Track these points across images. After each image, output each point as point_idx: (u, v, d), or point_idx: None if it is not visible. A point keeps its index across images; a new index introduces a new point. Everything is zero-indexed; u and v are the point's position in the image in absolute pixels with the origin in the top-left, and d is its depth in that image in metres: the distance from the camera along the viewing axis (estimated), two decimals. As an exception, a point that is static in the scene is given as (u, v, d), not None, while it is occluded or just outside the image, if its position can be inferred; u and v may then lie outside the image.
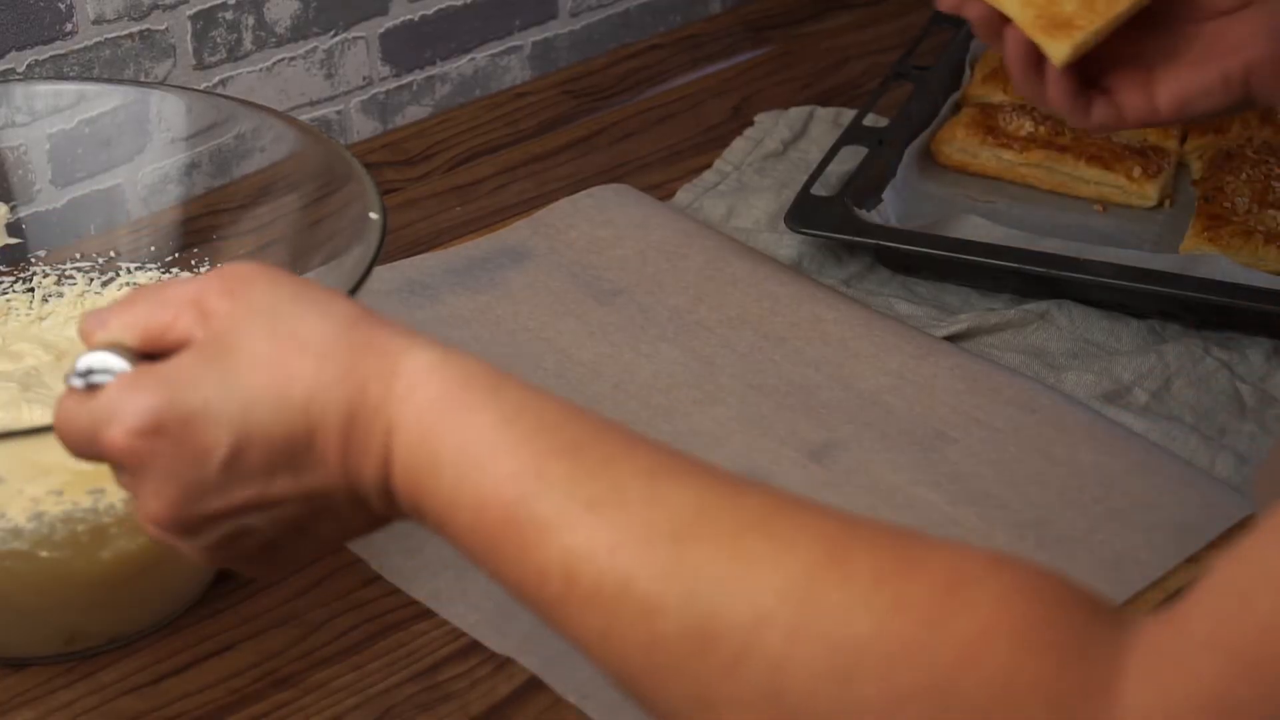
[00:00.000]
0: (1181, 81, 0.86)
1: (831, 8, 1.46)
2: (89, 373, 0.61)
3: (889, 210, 1.12)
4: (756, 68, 1.36)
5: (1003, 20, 0.88)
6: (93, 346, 0.62)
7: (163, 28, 1.13)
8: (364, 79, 1.26)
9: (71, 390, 0.61)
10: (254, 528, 0.61)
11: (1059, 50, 0.85)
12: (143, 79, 1.13)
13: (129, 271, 0.94)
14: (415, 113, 1.29)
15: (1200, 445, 0.94)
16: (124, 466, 0.61)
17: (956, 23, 1.31)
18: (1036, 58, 0.87)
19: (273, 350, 0.59)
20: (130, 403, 0.59)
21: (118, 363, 0.61)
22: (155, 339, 0.61)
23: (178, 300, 0.61)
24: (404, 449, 0.58)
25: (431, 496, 0.57)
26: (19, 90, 0.97)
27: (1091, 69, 0.88)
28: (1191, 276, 1.01)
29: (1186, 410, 0.97)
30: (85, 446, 0.61)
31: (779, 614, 0.51)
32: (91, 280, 0.94)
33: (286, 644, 0.82)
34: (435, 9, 1.27)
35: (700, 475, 0.56)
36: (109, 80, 1.09)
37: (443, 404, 0.58)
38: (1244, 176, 1.14)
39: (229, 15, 1.16)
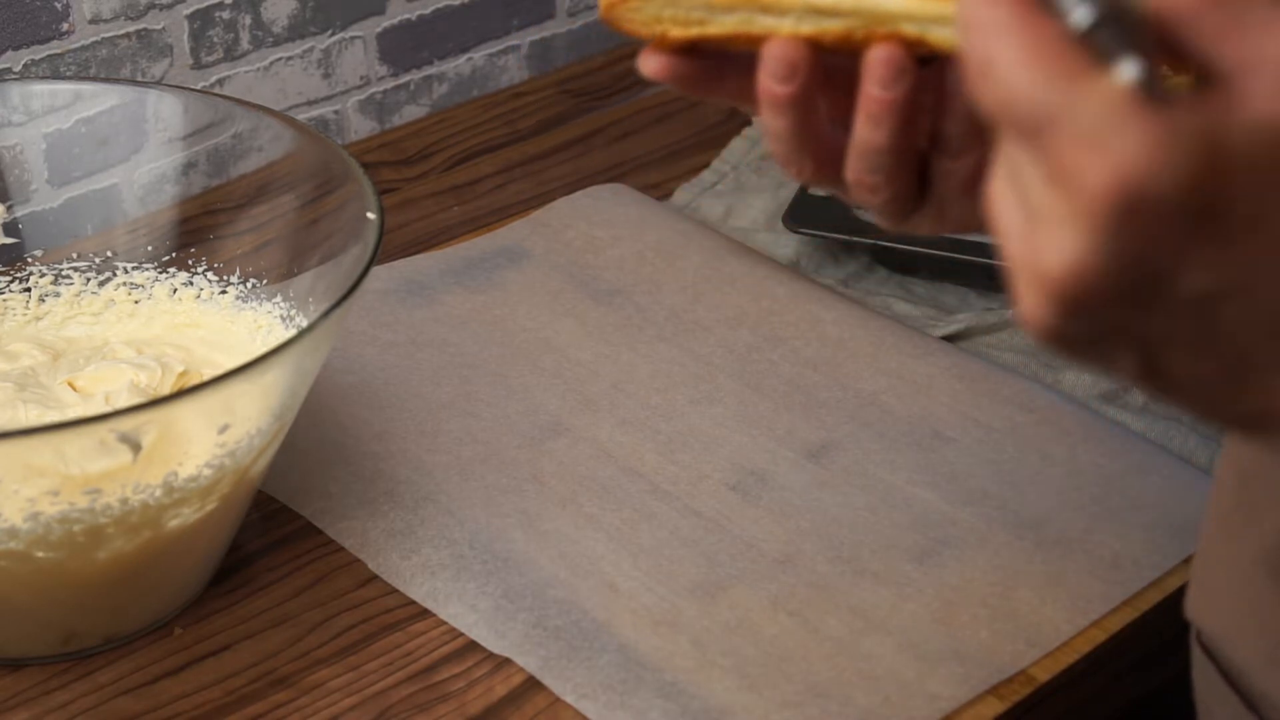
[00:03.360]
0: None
1: (829, 7, 1.46)
2: (1103, 23, 0.44)
3: (887, 210, 1.12)
4: (754, 67, 1.36)
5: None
6: None
7: (159, 27, 1.13)
8: (361, 78, 1.25)
9: (1053, 24, 0.45)
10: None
11: None
12: (139, 78, 1.13)
13: (126, 271, 0.94)
14: (412, 112, 1.29)
15: (1199, 445, 0.94)
16: (1062, 210, 0.44)
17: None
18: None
19: None
20: (1139, 156, 0.42)
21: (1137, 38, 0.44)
22: (1192, 40, 0.45)
23: (1267, 29, 0.44)
24: None
25: None
26: (15, 90, 0.96)
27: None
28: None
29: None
30: (1010, 121, 0.45)
31: None
32: (88, 280, 0.94)
33: (283, 644, 0.82)
34: (433, 9, 1.27)
35: None
36: (106, 80, 1.08)
37: None
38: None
39: (226, 15, 1.16)
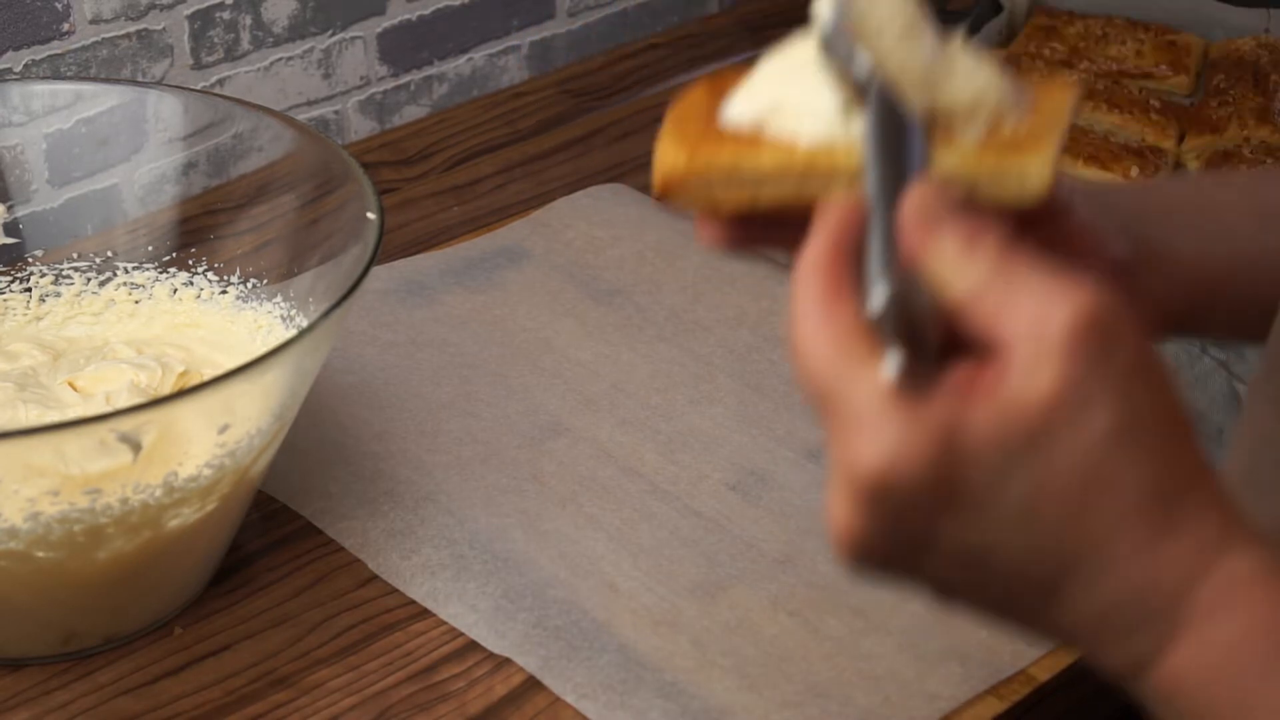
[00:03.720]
0: None
1: (829, 7, 1.46)
2: (890, 311, 0.50)
3: (887, 210, 1.12)
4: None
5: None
6: (917, 270, 0.51)
7: (160, 27, 1.13)
8: (361, 79, 1.25)
9: (849, 297, 0.51)
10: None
11: (1040, 161, 0.59)
12: (140, 79, 1.13)
13: (126, 271, 0.94)
14: (413, 112, 1.29)
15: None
16: (837, 478, 0.51)
17: (954, 22, 1.31)
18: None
19: (1080, 484, 0.50)
20: (888, 448, 0.49)
21: (924, 317, 0.50)
22: (970, 320, 0.50)
23: (1026, 313, 0.50)
24: (1180, 672, 0.51)
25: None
26: (16, 90, 0.96)
27: None
28: (1189, 276, 1.01)
29: (1184, 410, 0.97)
30: (807, 391, 0.51)
31: None
32: (89, 280, 0.94)
33: (283, 644, 0.82)
34: (433, 9, 1.27)
35: None
36: (106, 80, 1.08)
37: (1247, 656, 0.50)
38: (1242, 176, 1.14)
39: (226, 15, 1.16)
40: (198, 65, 1.16)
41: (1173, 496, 0.51)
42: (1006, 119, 0.61)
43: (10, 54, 1.07)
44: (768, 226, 0.63)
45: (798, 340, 0.52)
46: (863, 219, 0.53)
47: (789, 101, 0.62)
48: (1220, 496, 0.52)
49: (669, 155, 0.64)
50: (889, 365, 0.50)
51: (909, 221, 0.52)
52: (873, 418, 0.50)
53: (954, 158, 0.60)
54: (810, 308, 0.52)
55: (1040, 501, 0.50)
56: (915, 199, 0.52)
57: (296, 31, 1.20)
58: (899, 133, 0.57)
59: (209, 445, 0.76)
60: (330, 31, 1.22)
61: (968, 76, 0.61)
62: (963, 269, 0.51)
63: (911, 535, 0.51)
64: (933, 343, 0.51)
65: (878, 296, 0.51)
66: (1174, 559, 0.50)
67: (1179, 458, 0.51)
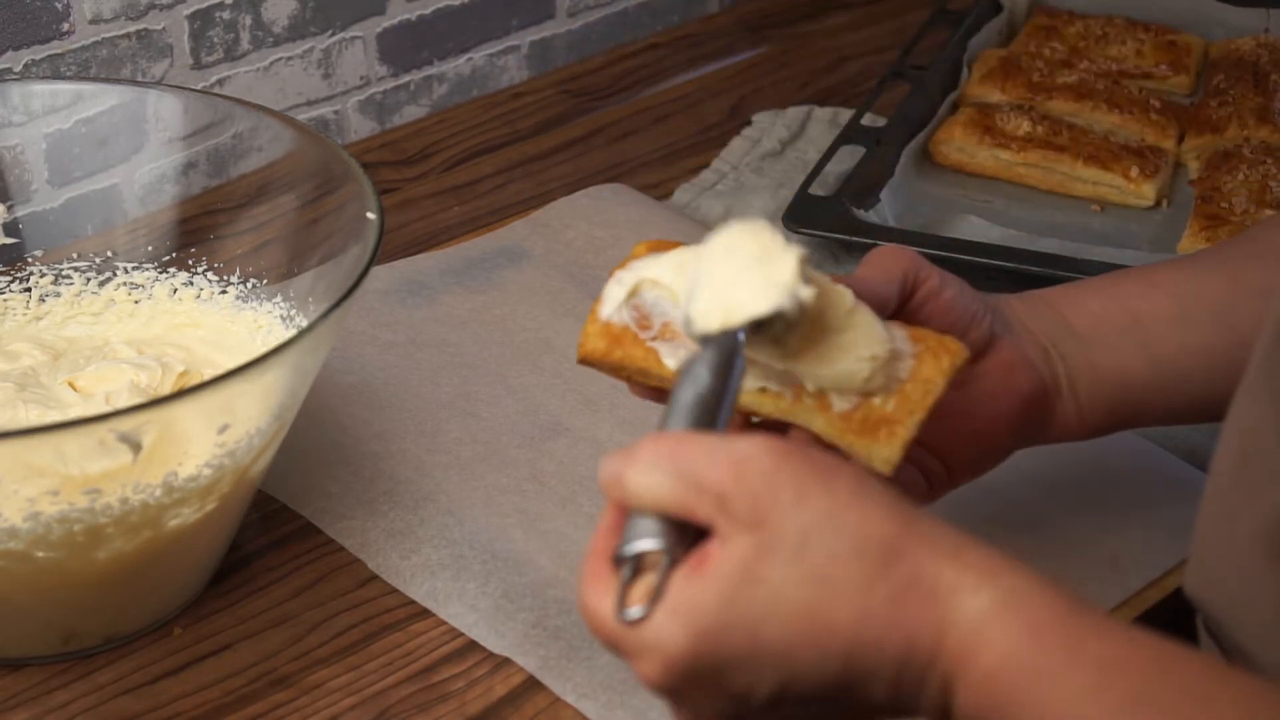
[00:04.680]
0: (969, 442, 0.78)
1: (829, 7, 1.46)
2: (635, 556, 0.60)
3: (886, 210, 1.12)
4: (754, 67, 1.36)
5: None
6: (626, 506, 0.60)
7: (160, 27, 1.13)
8: (361, 79, 1.25)
9: (607, 566, 0.60)
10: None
11: (888, 453, 0.69)
12: (140, 79, 1.13)
13: (126, 271, 0.94)
14: (412, 112, 1.29)
15: (1199, 445, 0.94)
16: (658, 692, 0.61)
17: (954, 22, 1.31)
18: None
19: (807, 598, 0.58)
20: (662, 644, 0.59)
21: (655, 543, 0.59)
22: (677, 517, 0.60)
23: (702, 488, 0.59)
24: (970, 709, 0.57)
25: None
26: (15, 90, 0.96)
27: None
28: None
29: (1184, 410, 0.97)
30: (610, 646, 0.61)
31: None
32: (89, 280, 0.94)
33: (283, 644, 0.82)
34: (433, 9, 1.27)
35: None
36: (106, 80, 1.08)
37: (1013, 671, 0.56)
38: (1241, 176, 1.14)
39: (226, 15, 1.16)
40: (197, 65, 1.16)
41: (885, 571, 0.57)
42: (877, 395, 0.69)
43: (10, 54, 1.07)
44: None
45: (585, 611, 0.61)
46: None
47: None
48: (937, 544, 0.58)
49: (593, 339, 0.72)
50: (613, 600, 0.60)
51: (602, 487, 0.61)
52: (632, 652, 0.59)
53: (821, 423, 0.70)
54: (588, 576, 0.61)
55: (792, 633, 0.58)
56: (600, 475, 0.61)
57: (296, 31, 1.20)
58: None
59: (209, 445, 0.76)
60: (330, 31, 1.22)
61: (859, 339, 0.68)
62: (654, 485, 0.59)
63: (723, 697, 0.60)
64: (676, 555, 0.60)
65: (627, 549, 0.60)
66: (917, 621, 0.57)
67: (877, 538, 0.58)
